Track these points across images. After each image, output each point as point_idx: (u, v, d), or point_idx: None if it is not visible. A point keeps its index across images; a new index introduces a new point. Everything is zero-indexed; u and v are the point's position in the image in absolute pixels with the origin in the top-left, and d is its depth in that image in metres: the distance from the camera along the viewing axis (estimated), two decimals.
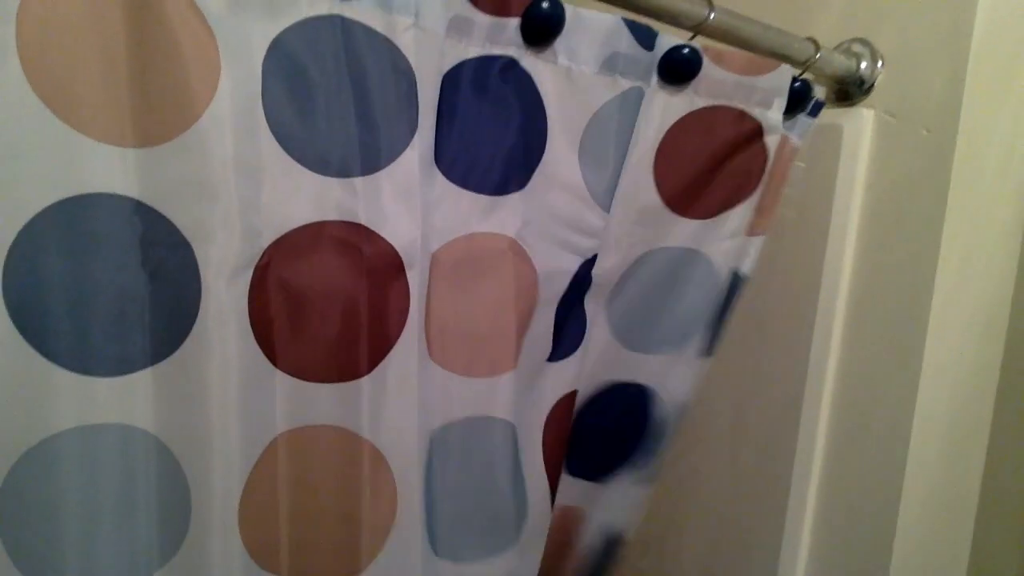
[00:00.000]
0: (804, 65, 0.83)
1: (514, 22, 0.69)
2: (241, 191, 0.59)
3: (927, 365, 0.84)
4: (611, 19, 0.72)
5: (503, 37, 0.69)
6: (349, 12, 0.62)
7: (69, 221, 0.55)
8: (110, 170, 0.56)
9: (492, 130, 0.69)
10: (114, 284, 0.57)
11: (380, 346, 0.66)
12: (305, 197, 0.61)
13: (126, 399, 0.58)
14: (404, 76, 0.64)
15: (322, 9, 0.61)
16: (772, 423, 0.96)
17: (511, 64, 0.70)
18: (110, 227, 0.56)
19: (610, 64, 0.73)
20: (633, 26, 0.73)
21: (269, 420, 0.63)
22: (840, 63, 0.87)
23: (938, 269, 0.83)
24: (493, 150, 0.70)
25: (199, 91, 0.57)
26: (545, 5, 0.69)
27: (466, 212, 0.70)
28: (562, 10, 0.69)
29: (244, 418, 0.61)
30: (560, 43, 0.71)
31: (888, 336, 0.86)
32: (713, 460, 1.04)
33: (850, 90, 0.88)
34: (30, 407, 0.56)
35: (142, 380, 0.59)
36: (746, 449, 0.99)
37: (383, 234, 0.64)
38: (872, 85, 0.87)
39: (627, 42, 0.73)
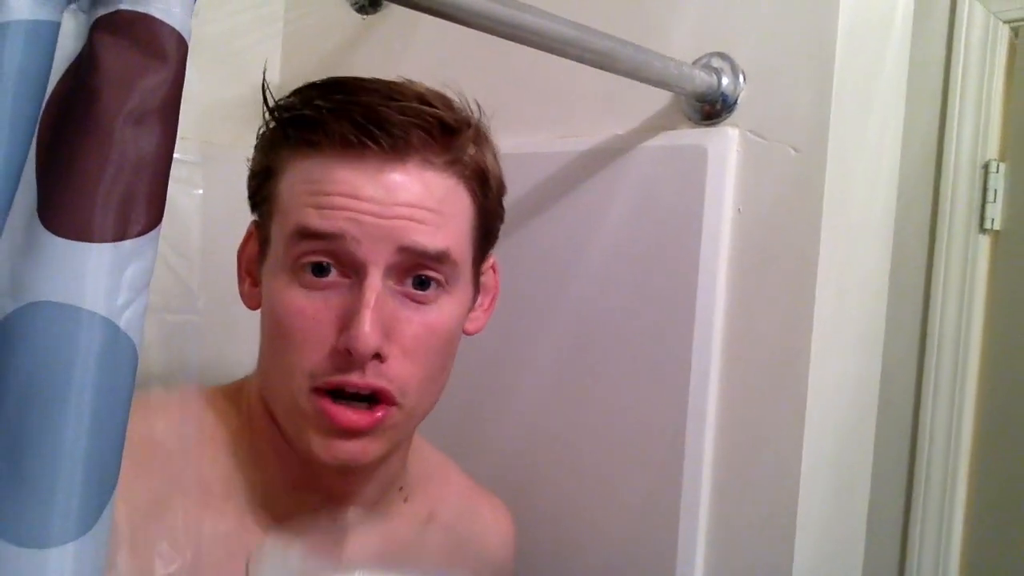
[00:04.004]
0: None
1: None
2: None
3: (812, 390, 0.80)
4: None
5: None
6: None
7: None
8: None
9: None
10: None
11: None
12: None
13: None
14: None
15: None
16: (654, 466, 0.89)
17: None
18: None
19: None
20: None
21: None
22: (700, 79, 0.80)
23: (817, 292, 0.79)
24: None
25: None
26: None
27: None
28: None
29: None
30: None
31: (770, 364, 0.81)
32: (594, 502, 0.96)
33: (713, 108, 0.82)
34: None
35: None
36: (628, 490, 0.92)
37: None
38: (735, 102, 0.81)
39: None
